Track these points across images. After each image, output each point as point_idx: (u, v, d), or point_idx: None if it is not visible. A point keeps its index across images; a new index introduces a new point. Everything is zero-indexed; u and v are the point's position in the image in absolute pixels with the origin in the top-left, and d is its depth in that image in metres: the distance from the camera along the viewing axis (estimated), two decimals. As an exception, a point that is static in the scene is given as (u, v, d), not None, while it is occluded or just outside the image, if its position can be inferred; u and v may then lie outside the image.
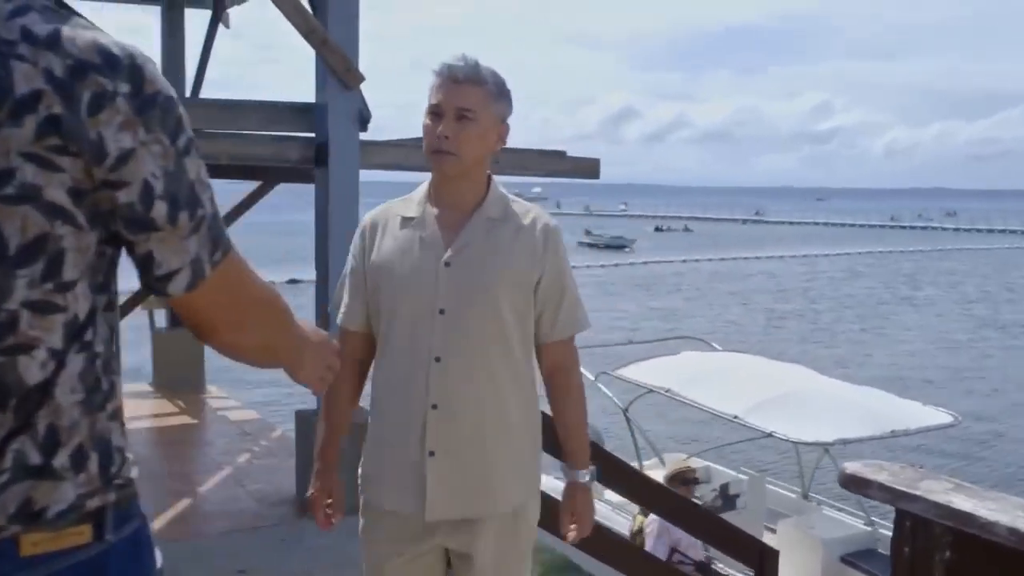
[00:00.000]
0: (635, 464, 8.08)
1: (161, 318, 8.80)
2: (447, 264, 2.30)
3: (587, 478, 2.46)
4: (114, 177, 1.11)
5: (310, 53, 5.22)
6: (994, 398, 19.78)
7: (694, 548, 7.19)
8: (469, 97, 2.26)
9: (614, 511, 8.45)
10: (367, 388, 2.55)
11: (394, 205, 2.45)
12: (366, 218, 2.47)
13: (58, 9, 1.13)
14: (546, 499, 2.58)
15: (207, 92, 8.12)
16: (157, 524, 5.14)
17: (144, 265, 1.19)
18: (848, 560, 7.90)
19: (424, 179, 2.47)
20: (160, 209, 1.14)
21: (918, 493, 1.94)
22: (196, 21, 8.23)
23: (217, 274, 1.22)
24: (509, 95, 2.35)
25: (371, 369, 2.49)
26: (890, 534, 2.20)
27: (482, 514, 2.35)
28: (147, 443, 7.00)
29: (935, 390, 18.62)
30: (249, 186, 8.84)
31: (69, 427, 1.15)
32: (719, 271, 45.78)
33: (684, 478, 7.55)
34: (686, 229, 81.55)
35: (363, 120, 5.33)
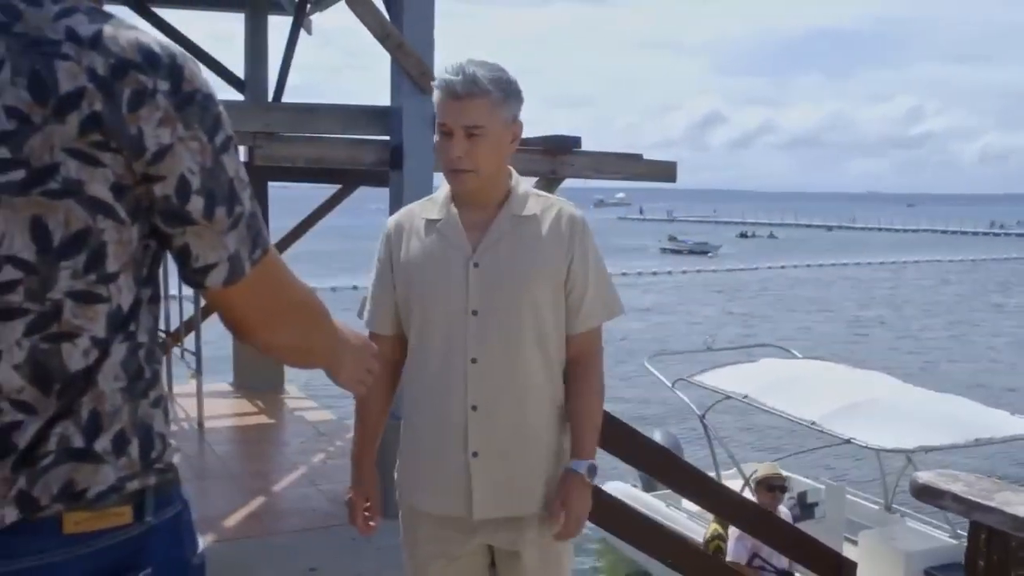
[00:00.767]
0: (712, 474, 7.96)
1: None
2: (476, 265, 2.28)
3: (584, 469, 2.33)
4: (152, 171, 1.14)
5: (389, 58, 5.27)
6: (1084, 409, 19.03)
7: (777, 555, 7.03)
8: (473, 112, 2.19)
9: (690, 519, 8.36)
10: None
11: (417, 207, 2.42)
12: (389, 222, 2.44)
13: (103, 11, 1.16)
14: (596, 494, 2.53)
15: (293, 97, 8.25)
16: (232, 521, 5.24)
17: (182, 258, 1.21)
18: (931, 573, 7.67)
19: None
20: (196, 203, 1.17)
21: (994, 505, 1.87)
22: (282, 28, 8.39)
23: (256, 272, 1.24)
24: (515, 90, 2.25)
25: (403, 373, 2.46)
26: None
27: (528, 511, 2.34)
28: (227, 442, 7.17)
29: (1018, 397, 17.98)
30: (327, 191, 8.98)
31: (111, 413, 1.19)
32: (803, 277, 44.97)
33: (771, 484, 7.37)
34: (771, 235, 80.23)
35: (437, 123, 5.36)
